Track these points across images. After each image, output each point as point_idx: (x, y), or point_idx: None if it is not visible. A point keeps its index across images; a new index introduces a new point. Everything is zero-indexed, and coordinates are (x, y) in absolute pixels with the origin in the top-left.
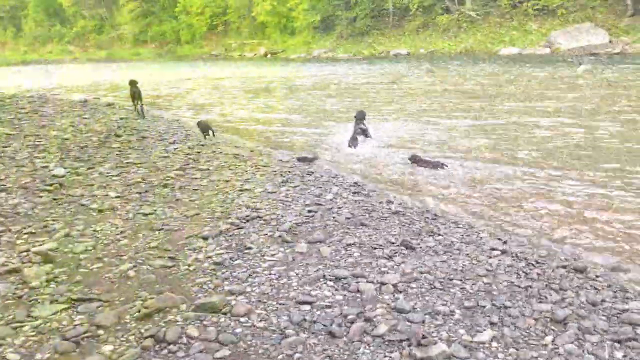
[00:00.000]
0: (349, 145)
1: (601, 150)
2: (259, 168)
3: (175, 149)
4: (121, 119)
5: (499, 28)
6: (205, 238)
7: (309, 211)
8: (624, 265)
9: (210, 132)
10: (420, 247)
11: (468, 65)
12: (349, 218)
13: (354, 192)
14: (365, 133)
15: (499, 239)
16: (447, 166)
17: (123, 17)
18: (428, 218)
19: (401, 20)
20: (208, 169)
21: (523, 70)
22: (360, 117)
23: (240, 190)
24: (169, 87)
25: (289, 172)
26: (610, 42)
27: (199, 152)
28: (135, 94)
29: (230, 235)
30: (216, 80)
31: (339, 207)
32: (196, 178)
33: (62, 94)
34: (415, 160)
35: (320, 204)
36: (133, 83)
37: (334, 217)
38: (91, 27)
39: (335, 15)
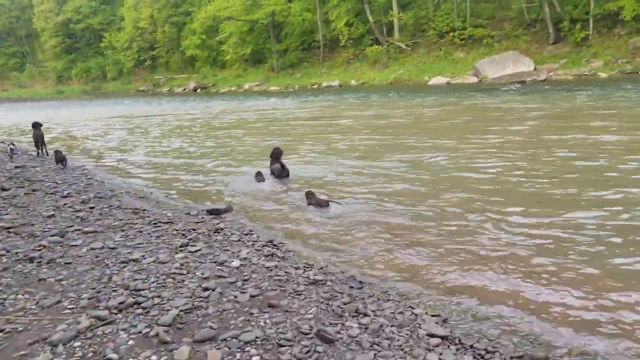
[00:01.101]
0: (257, 181)
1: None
2: (158, 226)
3: (65, 204)
4: (17, 167)
5: (428, 58)
6: (54, 345)
7: (205, 289)
8: (593, 345)
9: (63, 164)
10: (342, 338)
11: (398, 98)
12: (254, 296)
13: (268, 255)
14: (281, 171)
15: (438, 315)
16: (340, 203)
17: (45, 54)
18: (353, 287)
19: (332, 52)
20: (95, 232)
21: (450, 100)
22: (275, 155)
23: (124, 262)
24: (86, 128)
25: (194, 230)
26: (535, 69)
27: (92, 208)
28: (39, 138)
29: (89, 338)
30: (140, 118)
31: (245, 280)
32: (75, 246)
33: None
34: (308, 195)
35: (222, 276)
36: (36, 126)
37: (235, 297)
38: (12, 64)
39: (266, 47)
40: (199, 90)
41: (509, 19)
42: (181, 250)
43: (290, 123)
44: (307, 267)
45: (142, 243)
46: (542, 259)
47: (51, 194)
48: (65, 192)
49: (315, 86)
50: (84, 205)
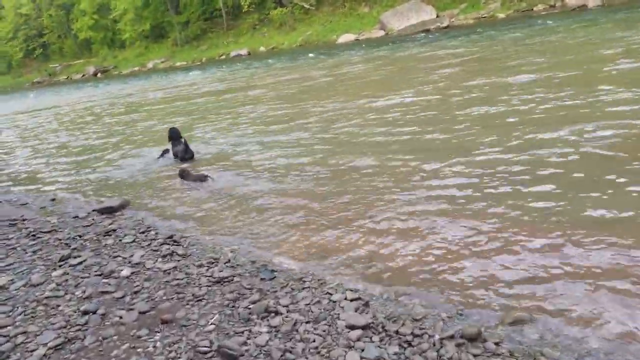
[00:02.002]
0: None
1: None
2: (37, 238)
3: None
4: None
5: (333, 17)
6: None
7: (85, 312)
8: (526, 315)
9: None
10: (248, 350)
11: (308, 60)
12: (144, 312)
13: (166, 255)
14: (185, 153)
15: (358, 299)
16: (212, 179)
17: None
18: (264, 279)
19: (236, 19)
20: None
21: (349, 58)
22: (174, 135)
23: None
24: None
25: (80, 236)
26: (437, 16)
27: None
28: None
29: None
30: (30, 113)
31: (136, 292)
32: None
33: None
34: (182, 175)
35: (107, 292)
36: None
37: (120, 318)
38: None
39: (166, 21)
40: (99, 75)
41: None
42: (60, 266)
43: (196, 99)
44: (212, 263)
45: (14, 263)
46: (463, 226)
47: None
48: None
49: (223, 57)
50: None
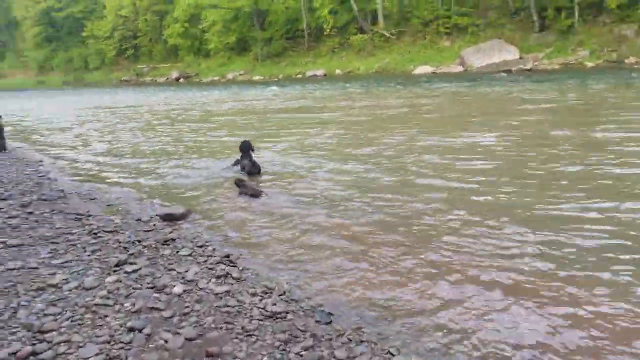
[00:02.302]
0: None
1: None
2: (99, 237)
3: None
4: None
5: (413, 47)
6: None
7: (130, 329)
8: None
9: None
10: None
11: (383, 87)
12: (191, 339)
13: (220, 276)
14: (252, 167)
15: None
16: (267, 195)
17: (26, 43)
18: (319, 322)
19: (317, 41)
20: (21, 245)
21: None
22: (245, 149)
23: (40, 288)
24: (56, 121)
25: (139, 241)
26: (520, 58)
27: (30, 213)
28: None
29: None
30: (115, 109)
31: (185, 313)
32: None
33: None
34: (239, 185)
35: (157, 308)
36: None
37: (165, 342)
38: None
39: (250, 36)
40: (181, 80)
41: (493, 7)
42: (115, 271)
43: (269, 114)
44: (266, 293)
45: (72, 260)
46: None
47: None
48: (6, 194)
49: (299, 75)
50: (22, 209)
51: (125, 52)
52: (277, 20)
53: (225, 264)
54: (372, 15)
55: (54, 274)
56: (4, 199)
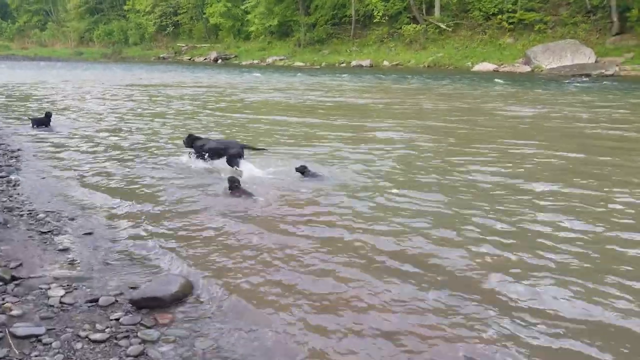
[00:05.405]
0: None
1: None
2: None
3: None
4: None
5: (471, 42)
6: None
7: None
8: None
9: None
10: None
11: (441, 84)
12: None
13: None
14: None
15: None
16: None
17: (69, 14)
18: None
19: (364, 29)
20: None
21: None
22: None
23: None
24: (88, 95)
25: None
26: (596, 61)
27: None
28: None
29: None
30: (148, 87)
31: None
32: None
33: None
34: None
35: None
36: None
37: None
38: (34, 22)
39: (294, 20)
40: (220, 61)
41: (566, 4)
42: None
43: (314, 107)
44: None
45: None
46: None
47: None
48: None
49: (343, 64)
50: None
51: (166, 28)
52: (324, 4)
53: None
54: (428, 4)
55: None
56: None
